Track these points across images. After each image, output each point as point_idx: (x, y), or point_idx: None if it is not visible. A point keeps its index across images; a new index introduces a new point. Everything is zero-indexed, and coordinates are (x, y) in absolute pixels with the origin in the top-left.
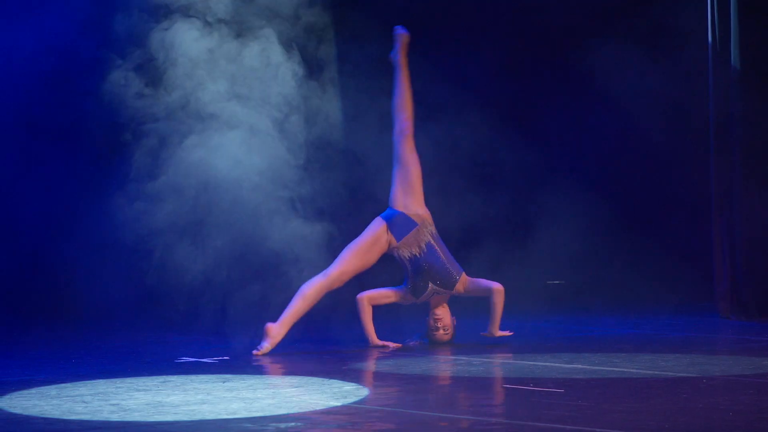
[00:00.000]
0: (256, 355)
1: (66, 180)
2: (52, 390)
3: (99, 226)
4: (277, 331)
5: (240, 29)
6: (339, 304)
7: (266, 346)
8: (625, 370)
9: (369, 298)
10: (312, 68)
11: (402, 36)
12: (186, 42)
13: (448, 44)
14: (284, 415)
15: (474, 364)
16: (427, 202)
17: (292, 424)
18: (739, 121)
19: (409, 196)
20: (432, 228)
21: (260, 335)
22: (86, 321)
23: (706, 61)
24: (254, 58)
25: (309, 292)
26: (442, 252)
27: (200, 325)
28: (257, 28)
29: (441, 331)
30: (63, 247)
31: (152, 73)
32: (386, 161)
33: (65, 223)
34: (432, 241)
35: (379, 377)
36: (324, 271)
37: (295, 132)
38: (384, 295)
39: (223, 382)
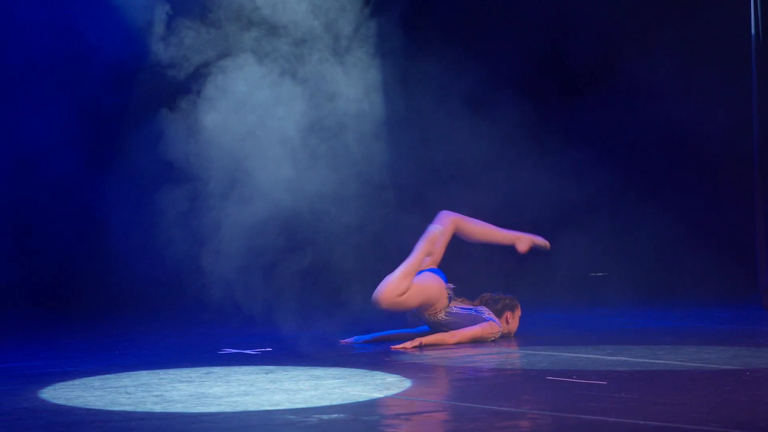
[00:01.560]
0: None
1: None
2: (95, 381)
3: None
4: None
5: None
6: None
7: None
8: (669, 362)
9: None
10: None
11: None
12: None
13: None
14: (327, 406)
15: (517, 356)
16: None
17: (335, 415)
18: None
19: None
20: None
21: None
22: (130, 312)
23: (749, 59)
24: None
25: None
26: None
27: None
28: None
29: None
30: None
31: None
32: None
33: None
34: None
35: (422, 369)
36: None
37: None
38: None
39: (266, 373)
